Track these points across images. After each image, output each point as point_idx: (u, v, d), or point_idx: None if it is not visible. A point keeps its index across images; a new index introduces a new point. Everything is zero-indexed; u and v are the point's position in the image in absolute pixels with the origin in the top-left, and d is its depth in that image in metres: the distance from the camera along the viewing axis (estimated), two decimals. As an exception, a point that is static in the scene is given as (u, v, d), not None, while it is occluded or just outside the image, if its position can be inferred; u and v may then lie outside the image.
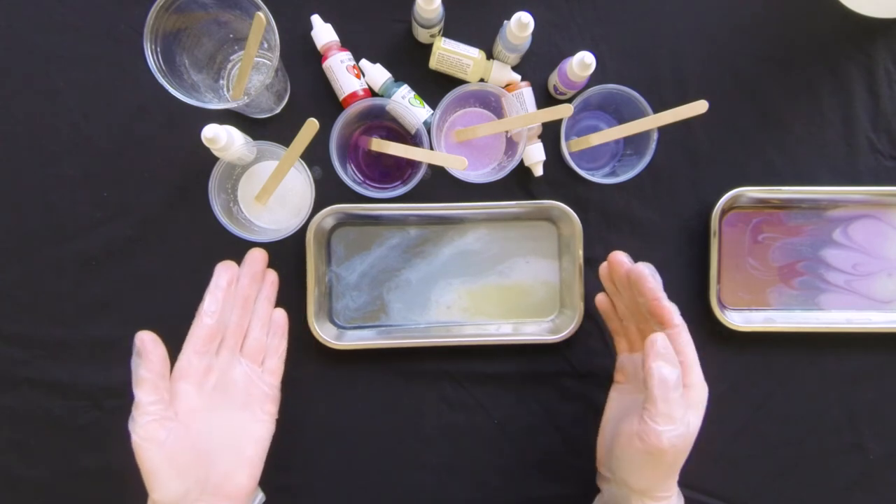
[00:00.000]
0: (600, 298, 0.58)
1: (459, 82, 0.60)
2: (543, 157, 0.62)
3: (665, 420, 0.45)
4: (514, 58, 0.61)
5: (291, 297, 0.61)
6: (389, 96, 0.61)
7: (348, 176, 0.58)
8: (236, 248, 0.58)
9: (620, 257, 0.54)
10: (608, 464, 0.52)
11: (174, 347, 0.52)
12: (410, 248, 0.64)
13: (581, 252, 0.61)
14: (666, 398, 0.45)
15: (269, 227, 0.60)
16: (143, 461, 0.47)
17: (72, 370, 0.62)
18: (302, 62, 0.62)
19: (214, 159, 0.55)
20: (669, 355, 0.46)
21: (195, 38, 0.55)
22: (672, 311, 0.49)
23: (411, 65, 0.62)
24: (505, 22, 0.57)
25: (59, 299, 0.62)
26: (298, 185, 0.59)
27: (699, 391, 0.49)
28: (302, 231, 0.59)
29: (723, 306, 0.63)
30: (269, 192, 0.56)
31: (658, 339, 0.47)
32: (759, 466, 0.64)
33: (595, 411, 0.64)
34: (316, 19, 0.60)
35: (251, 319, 0.57)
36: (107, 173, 0.61)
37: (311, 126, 0.51)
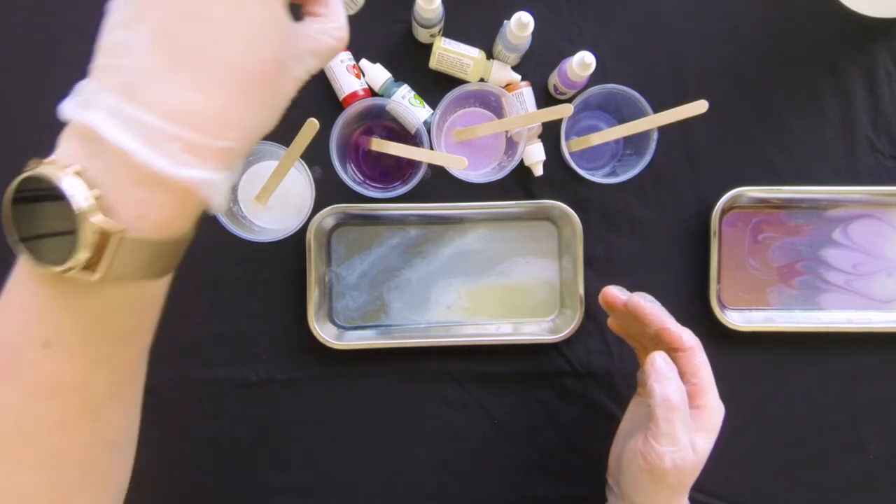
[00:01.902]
0: (611, 322, 0.58)
1: (459, 82, 0.60)
2: (543, 157, 0.62)
3: (667, 440, 0.44)
4: (514, 58, 0.61)
5: (291, 297, 0.61)
6: (389, 96, 0.61)
7: (348, 176, 0.58)
8: (236, 248, 0.58)
9: (614, 292, 0.53)
10: (615, 476, 0.51)
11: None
12: (410, 248, 0.64)
13: (581, 252, 0.61)
14: (668, 418, 0.44)
15: (270, 226, 0.60)
16: None
17: (72, 370, 0.62)
18: (302, 62, 0.62)
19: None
20: (672, 374, 0.45)
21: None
22: (681, 336, 0.48)
23: (411, 65, 0.62)
24: (505, 22, 0.57)
25: (59, 299, 0.61)
26: (298, 185, 0.59)
27: (713, 414, 0.47)
28: (302, 231, 0.59)
29: (723, 306, 0.63)
30: (270, 192, 0.56)
31: (657, 359, 0.46)
32: (759, 466, 0.64)
33: (595, 411, 0.64)
34: (316, 19, 0.60)
35: None
36: (107, 173, 0.61)
37: (311, 126, 0.51)
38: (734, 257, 0.64)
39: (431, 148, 0.58)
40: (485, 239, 0.64)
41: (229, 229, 0.55)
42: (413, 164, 0.60)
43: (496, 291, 0.64)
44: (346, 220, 0.63)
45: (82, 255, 0.27)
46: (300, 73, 0.34)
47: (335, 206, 0.61)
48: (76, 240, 0.27)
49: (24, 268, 0.30)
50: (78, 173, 0.27)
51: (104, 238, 0.27)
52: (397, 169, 0.62)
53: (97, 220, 0.27)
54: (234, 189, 0.59)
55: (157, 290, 0.33)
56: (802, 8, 0.64)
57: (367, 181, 0.62)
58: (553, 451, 0.64)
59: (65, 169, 0.27)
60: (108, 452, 0.36)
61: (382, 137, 0.59)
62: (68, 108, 0.29)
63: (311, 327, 0.60)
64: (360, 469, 0.63)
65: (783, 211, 0.64)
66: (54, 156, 0.29)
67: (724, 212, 0.62)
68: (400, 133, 0.61)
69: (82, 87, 0.29)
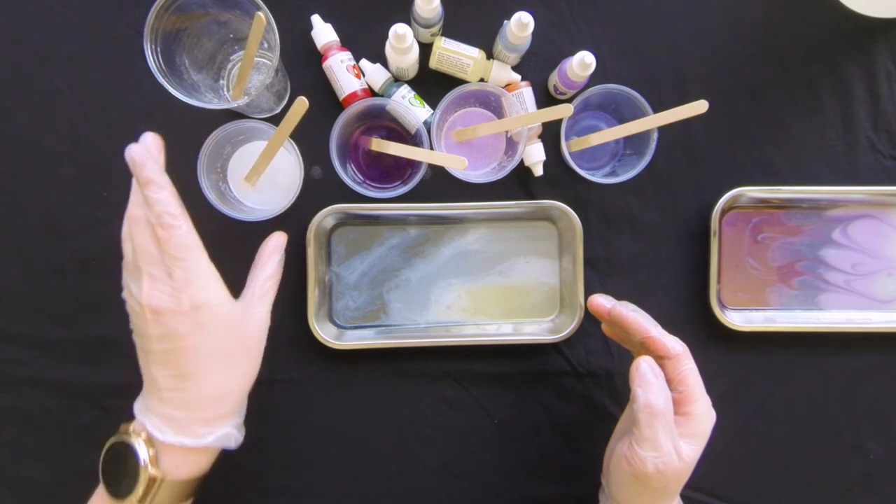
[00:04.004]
0: (605, 328, 0.58)
1: (459, 82, 0.60)
2: (543, 157, 0.62)
3: (649, 446, 0.44)
4: (514, 58, 0.61)
5: (291, 297, 0.61)
6: (389, 96, 0.61)
7: (348, 176, 0.58)
8: (236, 249, 0.58)
9: (599, 301, 0.53)
10: (606, 476, 0.52)
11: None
12: (410, 248, 0.64)
13: (581, 252, 0.61)
14: (650, 424, 0.44)
15: (258, 207, 0.59)
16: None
17: (72, 370, 0.62)
18: (302, 62, 0.62)
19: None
20: (655, 380, 0.45)
21: (195, 38, 0.54)
22: (666, 343, 0.48)
23: (411, 65, 0.62)
24: (505, 22, 0.58)
25: (59, 299, 0.62)
26: (288, 165, 0.59)
27: (701, 422, 0.47)
28: (302, 231, 0.59)
29: (723, 306, 0.63)
30: (259, 172, 0.55)
31: (641, 364, 0.46)
32: (759, 466, 0.64)
33: (595, 411, 0.64)
34: (316, 19, 0.60)
35: None
36: (107, 173, 0.61)
37: (301, 105, 0.51)
38: (734, 257, 0.64)
39: (431, 148, 0.58)
40: (485, 239, 0.64)
41: (218, 208, 0.54)
42: (413, 164, 0.60)
43: (496, 291, 0.64)
44: (346, 220, 0.63)
45: (139, 491, 0.45)
46: (264, 327, 0.51)
47: (335, 206, 0.61)
48: (137, 482, 0.45)
49: (102, 496, 0.48)
50: (146, 440, 0.46)
51: (153, 482, 0.46)
52: (397, 169, 0.62)
53: (151, 471, 0.45)
54: (224, 168, 0.59)
55: None
56: (803, 8, 0.64)
57: (367, 181, 0.62)
58: (553, 451, 0.64)
59: (139, 437, 0.46)
60: None
61: (382, 137, 0.59)
62: (137, 408, 0.48)
63: (311, 327, 0.60)
64: (360, 469, 0.63)
65: (783, 211, 0.64)
66: (133, 426, 0.47)
67: (723, 212, 0.62)
68: (400, 133, 0.61)
69: (144, 394, 0.48)
